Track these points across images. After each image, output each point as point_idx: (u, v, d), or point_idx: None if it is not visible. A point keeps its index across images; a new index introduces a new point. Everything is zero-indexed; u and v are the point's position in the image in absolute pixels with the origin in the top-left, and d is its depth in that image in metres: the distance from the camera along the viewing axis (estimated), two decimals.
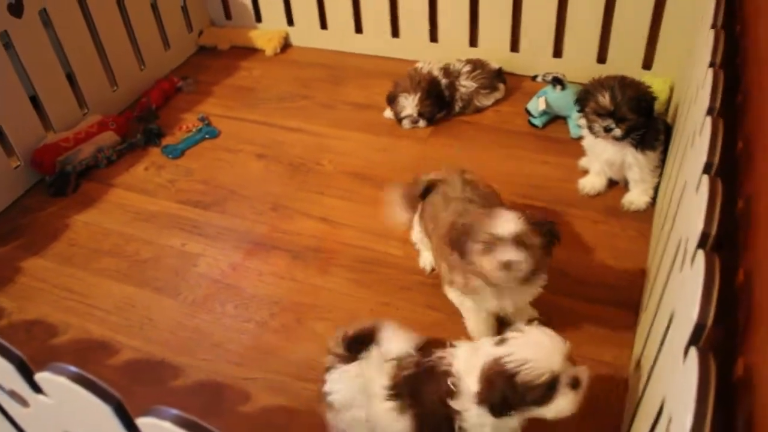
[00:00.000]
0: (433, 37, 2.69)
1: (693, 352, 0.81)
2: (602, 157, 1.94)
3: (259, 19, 2.99)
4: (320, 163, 2.27)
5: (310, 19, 2.86)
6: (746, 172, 1.19)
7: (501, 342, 1.22)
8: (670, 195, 1.59)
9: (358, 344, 1.32)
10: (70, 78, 2.43)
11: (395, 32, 2.75)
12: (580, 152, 2.15)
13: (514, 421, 1.23)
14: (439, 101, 2.37)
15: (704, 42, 1.48)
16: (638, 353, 1.46)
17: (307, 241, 1.97)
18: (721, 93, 1.26)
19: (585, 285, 1.75)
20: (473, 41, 2.62)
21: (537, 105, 2.29)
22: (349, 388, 1.31)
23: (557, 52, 2.50)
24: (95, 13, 2.45)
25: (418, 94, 2.33)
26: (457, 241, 1.42)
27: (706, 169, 1.12)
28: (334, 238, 1.97)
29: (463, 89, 2.40)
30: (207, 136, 2.46)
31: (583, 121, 1.93)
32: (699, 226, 1.00)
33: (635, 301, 1.68)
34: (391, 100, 2.39)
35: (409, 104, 2.34)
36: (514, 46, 2.56)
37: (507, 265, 1.35)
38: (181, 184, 2.25)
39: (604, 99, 1.80)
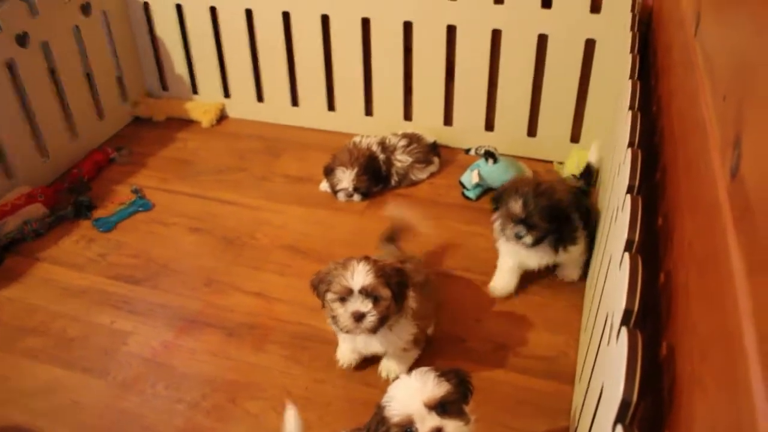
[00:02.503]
0: (369, 111, 2.76)
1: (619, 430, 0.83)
2: (517, 257, 1.93)
3: (195, 90, 3.02)
4: (255, 236, 2.27)
5: (247, 92, 2.91)
6: (666, 246, 1.25)
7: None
8: (599, 268, 1.64)
9: None
10: None
11: (331, 105, 2.81)
12: None
13: None
14: (376, 176, 2.42)
15: (623, 122, 1.57)
16: (574, 426, 1.48)
17: (242, 318, 1.95)
18: (640, 171, 1.33)
19: (519, 356, 1.78)
20: (407, 115, 2.70)
21: (470, 178, 2.36)
22: None
23: (489, 126, 2.60)
24: (26, 80, 2.42)
25: (355, 169, 2.37)
26: (316, 288, 1.57)
27: (628, 246, 1.17)
28: (269, 313, 1.96)
29: (399, 164, 2.45)
30: (140, 208, 2.43)
31: (496, 223, 1.91)
32: (622, 302, 1.04)
33: (569, 373, 1.72)
34: (328, 173, 2.43)
35: (346, 178, 2.38)
36: (448, 120, 2.65)
37: (356, 316, 1.50)
38: (112, 258, 2.21)
39: (516, 205, 1.79)
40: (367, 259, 1.53)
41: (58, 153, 2.62)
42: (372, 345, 1.64)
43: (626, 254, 1.12)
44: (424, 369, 1.26)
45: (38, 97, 2.50)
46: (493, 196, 1.92)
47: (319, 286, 1.56)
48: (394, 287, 1.52)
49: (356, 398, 1.68)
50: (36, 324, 1.98)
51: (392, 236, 1.93)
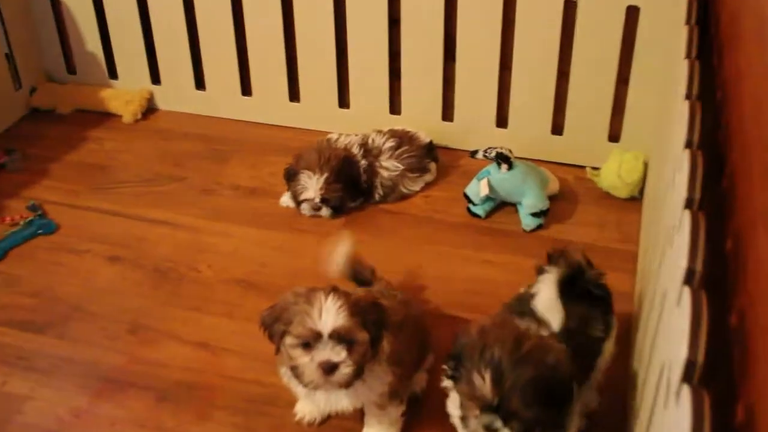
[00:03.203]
0: (344, 101, 2.78)
1: None
2: None
3: (113, 74, 3.02)
4: (196, 267, 2.27)
5: (182, 77, 2.92)
6: (739, 277, 1.26)
7: None
8: (649, 307, 1.65)
9: None
10: None
11: (294, 94, 2.83)
12: (535, 249, 2.23)
13: None
14: (353, 186, 2.44)
15: (678, 115, 1.59)
16: None
17: (179, 375, 1.94)
18: (701, 179, 1.35)
19: None
20: (395, 107, 2.72)
21: (478, 189, 2.38)
22: None
23: (501, 121, 2.62)
24: None
25: (325, 174, 2.38)
26: (269, 328, 1.56)
27: (688, 277, 1.18)
28: (214, 369, 1.95)
29: (385, 172, 2.48)
30: (40, 231, 2.42)
31: (452, 405, 1.57)
32: (682, 351, 1.05)
33: None
34: (290, 177, 2.44)
35: (312, 185, 2.39)
36: (447, 114, 2.67)
37: (326, 368, 1.48)
38: (2, 297, 2.20)
39: (483, 383, 1.41)
40: (336, 291, 1.52)
41: None
42: (339, 401, 1.63)
43: (686, 288, 1.13)
44: None
45: None
46: (450, 353, 1.52)
47: (274, 325, 1.54)
48: (371, 327, 1.52)
49: None
50: None
51: (356, 273, 1.92)
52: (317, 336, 1.48)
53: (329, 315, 1.47)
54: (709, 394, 0.96)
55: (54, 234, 2.42)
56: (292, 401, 1.83)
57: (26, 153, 2.77)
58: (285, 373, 1.63)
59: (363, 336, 1.50)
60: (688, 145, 1.43)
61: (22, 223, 2.45)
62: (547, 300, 1.58)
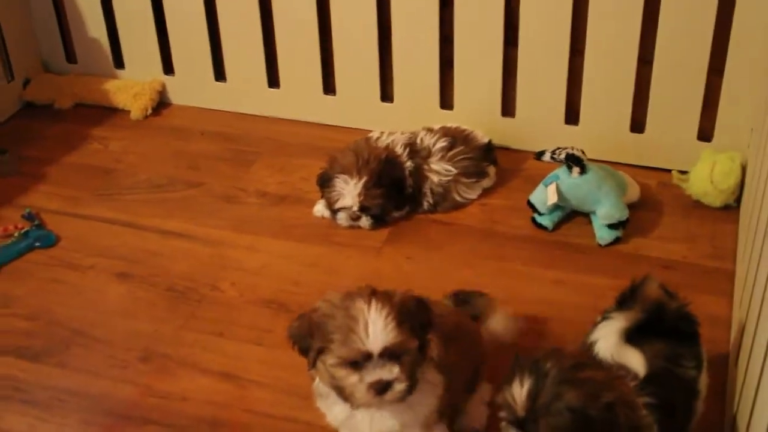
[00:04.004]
0: (386, 94, 2.78)
1: None
2: None
3: (120, 63, 3.05)
4: (217, 286, 2.28)
5: (200, 66, 2.94)
6: None
7: None
8: (754, 327, 1.63)
9: None
10: None
11: (329, 86, 2.84)
12: (613, 267, 2.22)
13: None
14: (396, 193, 2.44)
15: None
16: None
17: (199, 410, 1.94)
18: None
19: None
20: (446, 101, 2.73)
21: (545, 196, 2.36)
22: None
23: (572, 117, 2.62)
24: None
25: (364, 179, 2.39)
26: (300, 342, 1.55)
27: None
28: (240, 404, 1.95)
29: (435, 177, 2.47)
30: (37, 244, 2.44)
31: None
32: None
33: None
34: (325, 182, 2.45)
35: (349, 191, 2.39)
36: (508, 109, 2.67)
37: (379, 388, 1.47)
38: None
39: (519, 391, 1.43)
40: (376, 296, 1.50)
41: None
42: (384, 422, 1.61)
43: None
44: None
45: None
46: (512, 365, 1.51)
47: (307, 340, 1.53)
48: (419, 331, 1.52)
49: None
50: None
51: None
52: (367, 357, 1.47)
53: (377, 330, 1.45)
54: None
55: (53, 247, 2.45)
56: None
57: (20, 154, 2.80)
58: (320, 391, 1.62)
59: (413, 344, 1.50)
60: None
61: (16, 234, 2.47)
62: (607, 351, 1.56)
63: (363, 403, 1.51)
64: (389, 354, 1.47)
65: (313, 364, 1.54)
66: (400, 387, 1.48)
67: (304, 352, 1.55)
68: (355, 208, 2.41)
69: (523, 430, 1.42)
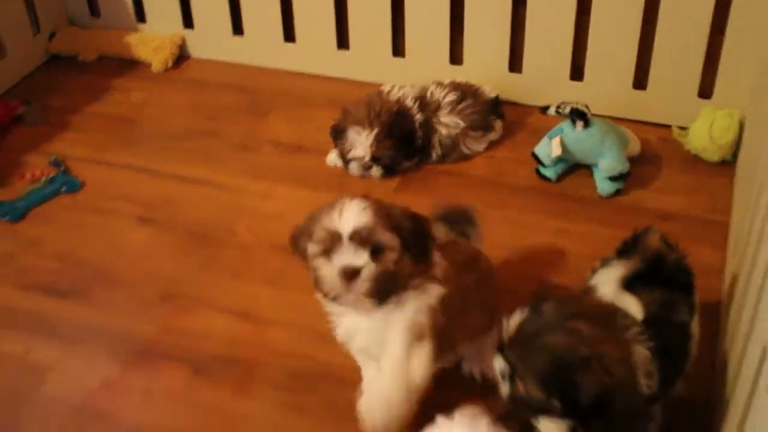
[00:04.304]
0: (398, 49, 2.78)
1: None
2: None
3: (141, 17, 3.05)
4: (234, 231, 2.30)
5: (218, 21, 2.94)
6: None
7: None
8: (747, 276, 1.65)
9: None
10: None
11: (342, 41, 2.84)
12: (613, 217, 2.23)
13: None
14: (406, 144, 2.45)
15: None
16: None
17: (217, 348, 1.97)
18: None
19: None
20: (456, 56, 2.72)
21: (549, 149, 2.37)
22: None
23: (577, 73, 2.61)
24: None
25: (375, 130, 2.40)
26: (296, 243, 1.57)
27: None
28: (256, 342, 1.97)
29: (444, 130, 2.48)
30: (63, 189, 2.46)
31: None
32: None
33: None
34: (338, 134, 2.46)
35: (361, 142, 2.41)
36: (515, 64, 2.67)
37: (345, 273, 1.46)
38: (24, 260, 2.25)
39: (511, 322, 1.49)
40: (367, 197, 1.53)
41: None
42: (377, 333, 1.59)
43: None
44: (471, 411, 1.26)
45: None
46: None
47: (300, 239, 1.55)
48: (408, 235, 1.50)
49: None
50: None
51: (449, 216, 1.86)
52: (338, 238, 1.46)
53: (349, 213, 1.47)
54: None
55: (78, 192, 2.47)
56: (344, 378, 1.85)
57: (46, 104, 2.81)
58: (320, 299, 1.60)
59: (392, 241, 1.48)
60: None
61: (43, 180, 2.50)
62: (607, 297, 1.56)
63: (336, 293, 1.50)
64: (360, 239, 1.46)
65: (306, 260, 1.54)
66: (366, 273, 1.46)
67: (300, 255, 1.56)
68: (367, 159, 2.42)
69: (502, 355, 1.47)
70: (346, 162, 2.45)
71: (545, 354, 1.39)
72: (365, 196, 1.53)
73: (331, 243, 1.47)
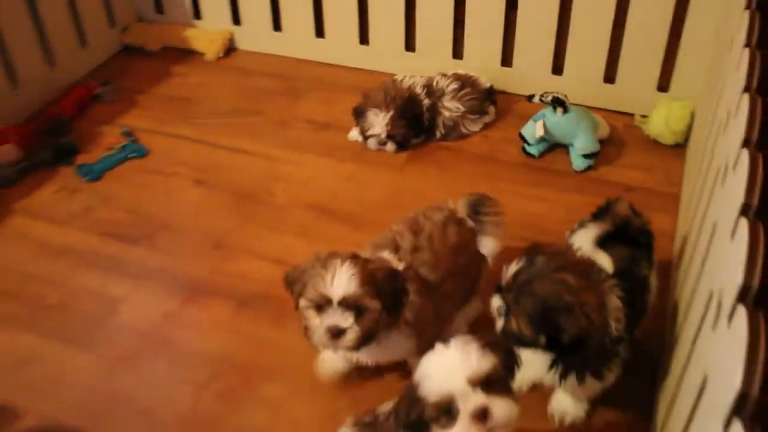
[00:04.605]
0: (410, 45, 2.75)
1: (737, 427, 0.84)
2: None
3: (198, 15, 3.02)
4: (272, 192, 2.29)
5: (261, 19, 2.91)
6: None
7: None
8: (696, 238, 1.64)
9: None
10: None
11: (364, 38, 2.81)
12: (585, 188, 2.22)
13: None
14: (415, 124, 2.43)
15: (736, 63, 1.55)
16: (658, 427, 1.50)
17: (256, 287, 1.98)
18: (759, 121, 1.31)
19: None
20: (457, 52, 2.69)
21: (533, 130, 2.35)
22: None
23: (557, 69, 2.58)
24: None
25: (391, 112, 2.38)
26: (291, 286, 1.53)
27: (744, 211, 1.16)
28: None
29: (447, 113, 2.46)
30: (133, 155, 2.46)
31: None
32: (738, 277, 1.03)
33: (650, 367, 1.72)
34: (359, 114, 2.45)
35: (379, 122, 2.39)
36: (507, 60, 2.64)
37: (333, 332, 1.45)
38: (100, 212, 2.24)
39: (509, 269, 1.48)
40: (354, 259, 1.48)
41: (31, 85, 2.64)
42: (357, 358, 1.62)
43: (742, 220, 1.11)
44: (463, 338, 1.25)
45: (8, 16, 2.51)
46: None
47: (294, 285, 1.52)
48: (387, 296, 1.48)
49: (394, 386, 1.69)
50: (8, 287, 2.02)
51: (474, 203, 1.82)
52: (327, 301, 1.44)
53: (340, 282, 1.43)
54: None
55: (145, 158, 2.46)
56: None
57: (119, 85, 2.79)
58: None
59: (374, 304, 1.45)
60: (747, 90, 1.40)
61: (117, 147, 2.49)
62: (583, 253, 1.55)
63: (321, 343, 1.49)
64: (347, 304, 1.44)
65: (296, 305, 1.52)
66: (351, 336, 1.45)
67: (292, 294, 1.53)
68: (383, 136, 2.41)
69: (500, 295, 1.47)
70: (365, 138, 2.44)
71: (536, 299, 1.39)
72: (354, 257, 1.48)
73: (322, 303, 1.45)
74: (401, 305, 1.52)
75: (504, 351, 1.25)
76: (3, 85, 2.54)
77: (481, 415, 1.18)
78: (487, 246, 1.79)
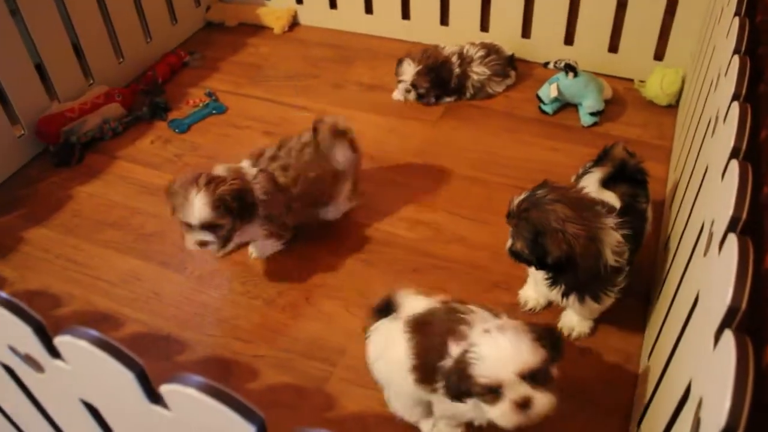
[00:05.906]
0: (444, 20, 2.66)
1: (728, 334, 0.79)
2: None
3: None
4: None
5: None
6: None
7: (486, 331, 1.16)
8: (686, 182, 1.57)
9: (383, 310, 1.37)
10: (76, 48, 2.39)
11: (405, 14, 2.72)
12: (591, 141, 2.14)
13: (468, 407, 1.20)
14: (439, 83, 2.36)
15: (726, 30, 1.47)
16: (652, 339, 1.45)
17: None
18: (747, 79, 1.24)
19: None
20: (484, 26, 2.60)
21: (548, 92, 2.27)
22: (378, 341, 1.35)
23: (569, 40, 2.48)
24: None
25: (420, 66, 2.33)
26: (168, 200, 1.60)
27: (734, 154, 1.10)
28: (344, 217, 1.94)
29: (475, 76, 2.38)
30: (214, 111, 2.43)
31: None
32: (729, 210, 0.98)
33: (645, 289, 1.67)
34: (399, 62, 2.40)
35: (408, 71, 2.34)
36: (526, 33, 2.54)
37: (199, 243, 1.58)
38: (188, 158, 2.22)
39: (515, 200, 1.45)
40: (208, 185, 1.55)
41: (132, 54, 2.62)
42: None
43: (733, 161, 1.05)
44: (516, 326, 1.15)
45: (115, 3, 2.49)
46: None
47: (170, 200, 1.60)
48: (236, 211, 1.57)
49: None
50: (115, 218, 2.02)
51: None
52: (190, 224, 1.57)
53: (197, 211, 1.54)
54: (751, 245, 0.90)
55: (224, 114, 2.43)
56: (401, 244, 1.83)
57: (203, 54, 2.76)
58: None
59: (225, 221, 1.57)
60: (737, 51, 1.32)
61: (200, 105, 2.47)
62: (591, 193, 1.49)
63: (193, 248, 1.61)
64: (204, 226, 1.56)
65: (173, 213, 1.60)
66: (214, 246, 1.60)
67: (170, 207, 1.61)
68: (408, 83, 2.35)
69: (507, 221, 1.45)
70: (398, 83, 2.39)
71: (530, 224, 1.37)
72: (207, 185, 1.54)
73: (188, 225, 1.57)
74: (251, 213, 1.63)
75: (551, 345, 1.16)
76: (111, 56, 2.53)
77: (523, 405, 1.13)
78: (340, 159, 1.82)
